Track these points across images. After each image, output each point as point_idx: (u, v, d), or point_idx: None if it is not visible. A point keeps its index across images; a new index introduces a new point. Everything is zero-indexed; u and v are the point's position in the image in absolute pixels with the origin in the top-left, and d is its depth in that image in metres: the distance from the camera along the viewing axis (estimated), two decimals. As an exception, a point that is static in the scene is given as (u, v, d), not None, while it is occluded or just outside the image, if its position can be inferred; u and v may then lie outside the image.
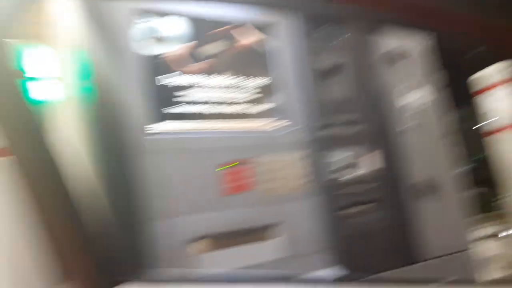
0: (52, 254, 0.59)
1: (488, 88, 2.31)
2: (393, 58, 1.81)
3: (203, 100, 1.44)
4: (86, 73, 1.22)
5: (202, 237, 1.32)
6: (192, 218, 1.31)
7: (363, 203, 1.61)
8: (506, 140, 2.20)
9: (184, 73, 1.42)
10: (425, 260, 1.65)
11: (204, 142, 1.40)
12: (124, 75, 1.29)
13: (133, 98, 1.29)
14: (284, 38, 1.61)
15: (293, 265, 1.43)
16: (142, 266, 1.15)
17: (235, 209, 1.40)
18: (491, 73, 2.25)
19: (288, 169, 1.52)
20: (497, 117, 2.28)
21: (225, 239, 1.38)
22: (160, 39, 1.40)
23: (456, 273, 1.70)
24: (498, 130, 2.32)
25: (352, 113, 1.66)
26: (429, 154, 1.79)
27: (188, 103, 1.41)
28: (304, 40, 1.62)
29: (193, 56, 1.45)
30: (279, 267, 1.41)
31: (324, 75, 1.66)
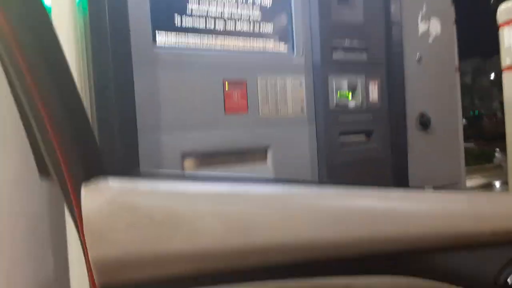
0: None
1: (510, 22, 2.18)
2: None
3: (209, 14, 1.38)
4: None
5: (190, 154, 1.32)
6: (184, 134, 1.30)
7: (359, 132, 1.60)
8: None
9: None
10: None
11: (206, 57, 1.36)
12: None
13: (138, 5, 1.24)
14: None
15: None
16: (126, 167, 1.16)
17: (230, 129, 1.38)
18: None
19: (288, 92, 1.50)
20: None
21: (215, 158, 1.39)
22: None
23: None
24: (510, 68, 2.25)
25: (361, 38, 1.60)
26: (430, 90, 1.76)
27: (194, 15, 1.35)
28: None
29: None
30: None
31: None
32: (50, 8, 1.71)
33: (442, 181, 1.76)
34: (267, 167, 1.47)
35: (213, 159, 1.39)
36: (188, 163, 1.33)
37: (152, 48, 1.26)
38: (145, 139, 1.23)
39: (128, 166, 1.17)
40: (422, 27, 1.74)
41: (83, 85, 1.23)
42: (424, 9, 1.75)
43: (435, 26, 1.77)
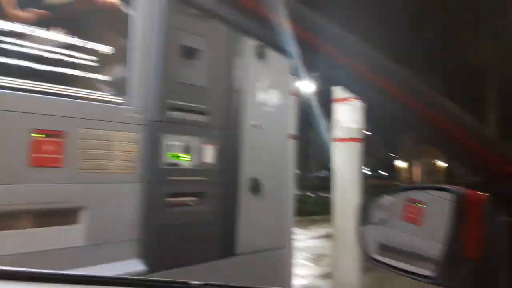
0: None
1: (342, 100, 2.46)
2: (258, 53, 1.82)
3: (29, 53, 1.23)
4: None
5: None
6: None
7: (188, 194, 1.58)
8: (338, 149, 2.42)
9: (13, 18, 1.19)
10: (241, 254, 1.71)
11: (18, 101, 1.20)
12: None
13: None
14: (142, 3, 1.48)
15: (93, 254, 1.33)
16: None
17: (39, 184, 1.23)
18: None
19: (114, 148, 1.41)
20: (341, 128, 2.48)
21: (17, 217, 1.21)
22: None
23: (269, 268, 1.81)
24: (338, 139, 2.54)
25: (201, 101, 1.61)
26: (263, 155, 1.84)
27: (9, 53, 1.19)
28: (165, 12, 1.50)
29: (29, 1, 1.23)
30: (76, 255, 1.29)
31: (182, 55, 1.57)
32: None
33: (269, 245, 1.83)
34: (80, 229, 1.32)
35: (13, 220, 1.19)
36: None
37: None
38: None
39: None
40: (260, 96, 1.85)
41: None
42: (264, 79, 1.87)
43: (273, 96, 1.90)
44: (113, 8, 1.44)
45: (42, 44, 1.26)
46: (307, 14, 0.70)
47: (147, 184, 1.46)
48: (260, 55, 1.84)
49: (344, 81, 0.77)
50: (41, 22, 1.26)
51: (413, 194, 0.92)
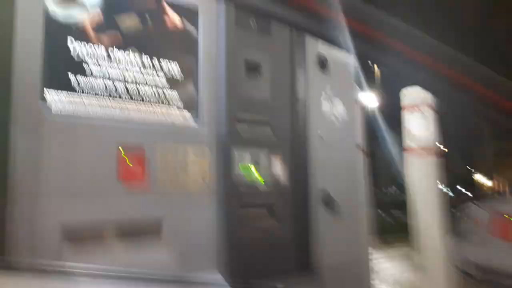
0: None
1: (411, 107, 2.34)
2: (319, 63, 1.83)
3: (110, 74, 1.35)
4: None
5: (73, 227, 1.22)
6: (66, 203, 1.21)
7: (261, 206, 1.59)
8: (414, 163, 2.28)
9: (93, 41, 1.33)
10: (318, 269, 1.67)
11: (100, 120, 1.30)
12: (24, 32, 1.18)
13: (31, 58, 1.19)
14: (207, 24, 1.56)
15: (174, 263, 1.38)
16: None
17: (122, 199, 1.31)
18: (417, 92, 2.28)
19: (189, 164, 1.47)
20: (413, 138, 2.35)
21: (102, 231, 1.30)
22: (72, 2, 1.30)
23: (347, 285, 1.75)
24: (410, 150, 2.40)
25: (266, 113, 1.65)
26: (332, 167, 1.81)
27: (92, 74, 1.32)
28: (230, 31, 1.58)
29: (107, 26, 1.36)
30: (158, 266, 1.35)
31: (246, 70, 1.62)
32: None
33: (346, 260, 1.77)
34: (161, 242, 1.38)
35: (99, 232, 1.29)
36: (70, 237, 1.22)
37: (39, 106, 1.19)
38: (19, 209, 1.12)
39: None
40: (325, 106, 1.84)
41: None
42: (328, 89, 1.86)
43: (338, 107, 1.88)
44: (181, 28, 1.53)
45: (120, 63, 1.38)
46: (373, 12, 0.70)
47: (221, 196, 1.50)
48: (323, 66, 1.84)
49: (416, 77, 0.75)
50: (116, 44, 1.37)
51: (501, 206, 0.85)
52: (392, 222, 10.71)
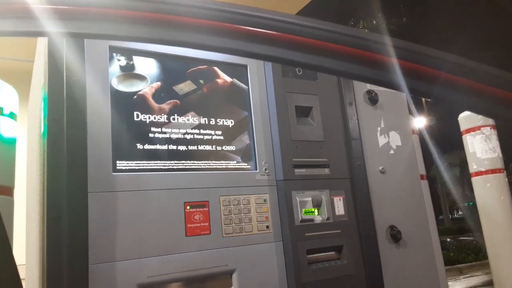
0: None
1: (473, 129, 2.26)
2: (370, 99, 1.84)
3: (172, 138, 1.44)
4: (45, 110, 1.22)
5: (148, 285, 1.27)
6: (141, 262, 1.27)
7: (328, 249, 1.56)
8: (480, 184, 2.16)
9: (155, 111, 1.43)
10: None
11: (166, 180, 1.38)
12: (94, 110, 1.30)
13: (102, 134, 1.30)
14: (255, 78, 1.65)
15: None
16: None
17: (191, 253, 1.35)
18: (476, 114, 2.21)
19: (252, 210, 1.50)
20: (478, 161, 2.24)
21: (178, 285, 1.33)
22: (133, 77, 1.42)
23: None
24: (477, 173, 2.29)
25: (322, 155, 1.66)
26: (396, 201, 1.76)
27: (157, 141, 1.41)
28: (275, 81, 1.65)
29: (165, 95, 1.46)
30: None
31: (297, 115, 1.66)
32: (15, 139, 1.78)
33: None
34: (233, 292, 1.40)
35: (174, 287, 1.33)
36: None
37: (111, 175, 1.28)
38: (98, 272, 1.18)
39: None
40: (382, 140, 1.82)
41: (41, 217, 1.23)
42: (382, 124, 1.84)
43: (394, 139, 1.85)
44: (232, 86, 1.61)
45: (181, 128, 1.46)
46: (415, 48, 0.71)
47: (287, 242, 1.50)
48: (374, 101, 1.84)
49: (469, 103, 0.73)
50: (176, 110, 1.46)
51: None
52: (461, 248, 9.98)
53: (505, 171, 2.18)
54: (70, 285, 1.11)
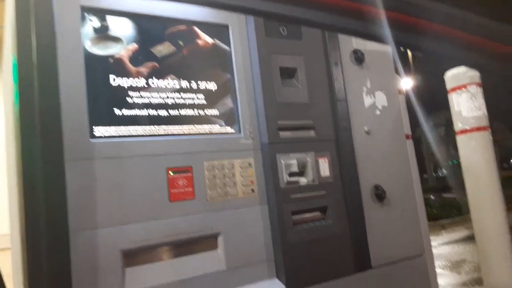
0: None
1: (459, 88, 2.24)
2: (356, 59, 1.79)
3: (152, 103, 1.39)
4: (16, 76, 1.16)
5: (133, 251, 1.26)
6: (124, 229, 1.25)
7: (313, 210, 1.57)
8: (465, 142, 2.18)
9: (133, 74, 1.37)
10: (377, 266, 1.63)
11: (147, 146, 1.34)
12: (67, 75, 1.24)
13: (76, 100, 1.24)
14: (238, 39, 1.59)
15: (234, 277, 1.40)
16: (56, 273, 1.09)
17: (176, 218, 1.35)
18: (463, 73, 2.19)
19: (236, 174, 1.49)
20: (463, 119, 2.24)
21: (161, 251, 1.33)
22: (108, 39, 1.35)
23: (409, 279, 1.70)
24: (462, 132, 2.29)
25: (307, 117, 1.63)
26: (381, 161, 1.77)
27: (136, 106, 1.36)
28: (259, 41, 1.58)
29: (142, 57, 1.40)
30: (218, 280, 1.37)
31: (282, 77, 1.61)
32: None
33: (404, 253, 1.72)
34: (219, 254, 1.41)
35: (159, 252, 1.33)
36: (130, 262, 1.26)
37: (88, 142, 1.24)
38: (80, 238, 1.17)
39: (58, 273, 1.10)
40: (367, 101, 1.79)
41: (19, 186, 1.20)
42: (368, 84, 1.81)
43: (380, 99, 1.83)
44: (213, 48, 1.55)
45: (161, 92, 1.40)
46: None
47: (272, 204, 1.50)
48: (360, 60, 1.80)
49: (460, 56, 0.71)
50: (155, 73, 1.40)
51: None
52: (444, 205, 10.32)
53: (489, 129, 2.19)
54: (51, 253, 1.09)
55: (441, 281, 4.51)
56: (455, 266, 5.30)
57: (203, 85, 1.50)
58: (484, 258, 1.93)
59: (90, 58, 1.30)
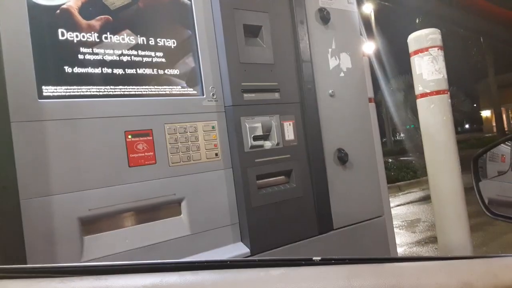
0: None
1: (421, 50, 2.24)
2: (322, 18, 1.74)
3: (106, 60, 1.29)
4: None
5: (91, 218, 1.21)
6: (81, 196, 1.19)
7: (277, 174, 1.56)
8: (424, 106, 2.21)
9: (84, 29, 1.25)
10: (338, 228, 1.66)
11: (102, 107, 1.25)
12: (9, 28, 1.11)
13: (21, 56, 1.12)
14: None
15: (198, 242, 1.38)
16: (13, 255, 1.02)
17: (136, 184, 1.29)
18: (425, 35, 2.18)
19: (200, 138, 1.44)
20: (424, 82, 2.26)
21: (122, 218, 1.29)
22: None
23: (370, 240, 1.75)
24: (422, 95, 2.32)
25: (272, 79, 1.58)
26: (344, 124, 1.76)
27: (88, 63, 1.25)
28: None
29: (94, 9, 1.28)
30: (182, 245, 1.35)
31: (246, 35, 1.54)
32: None
33: (365, 215, 1.76)
34: (182, 220, 1.38)
35: (119, 220, 1.27)
36: (89, 229, 1.21)
37: (37, 104, 1.14)
38: (32, 207, 1.10)
39: (10, 243, 1.03)
40: (332, 62, 1.76)
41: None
42: (333, 45, 1.77)
43: (345, 61, 1.80)
44: (173, 1, 1.44)
45: (115, 48, 1.30)
46: None
47: (236, 168, 1.47)
48: (325, 20, 1.75)
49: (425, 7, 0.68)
50: (108, 28, 1.29)
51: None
52: (401, 168, 10.80)
53: (448, 92, 2.23)
54: (1, 223, 1.02)
55: (397, 240, 4.76)
56: (410, 225, 5.59)
57: (162, 42, 1.40)
58: (439, 217, 2.02)
59: (34, 9, 1.17)
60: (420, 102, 2.24)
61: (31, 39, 1.15)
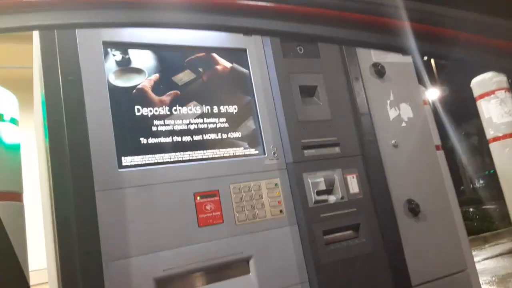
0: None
1: (487, 94, 2.17)
2: (377, 72, 1.77)
3: (176, 130, 1.41)
4: (45, 112, 1.21)
5: (165, 279, 1.26)
6: (156, 257, 1.25)
7: (344, 228, 1.53)
8: (498, 150, 2.09)
9: (156, 104, 1.40)
10: (417, 285, 1.55)
11: (174, 173, 1.35)
12: (94, 108, 1.28)
13: (103, 132, 1.28)
14: (256, 61, 1.60)
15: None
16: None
17: (206, 243, 1.34)
18: (489, 78, 2.13)
19: (264, 195, 1.47)
20: (494, 126, 2.16)
21: (194, 278, 1.32)
22: (131, 71, 1.39)
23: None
24: (495, 139, 2.20)
25: (331, 134, 1.61)
26: (412, 174, 1.71)
27: (161, 134, 1.38)
28: (277, 62, 1.60)
29: (164, 86, 1.43)
30: None
31: (302, 95, 1.61)
32: (18, 145, 1.78)
33: (446, 270, 1.63)
34: (251, 279, 1.38)
35: (191, 279, 1.31)
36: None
37: (117, 173, 1.27)
38: (113, 269, 1.18)
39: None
40: (392, 113, 1.76)
41: (52, 219, 1.23)
42: (391, 96, 1.78)
43: (405, 111, 1.79)
44: (232, 72, 1.57)
45: (184, 119, 1.43)
46: (431, 8, 0.65)
47: (302, 224, 1.47)
48: (380, 74, 1.78)
49: (487, 61, 0.69)
50: (177, 101, 1.43)
51: None
52: (484, 217, 9.84)
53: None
54: (86, 285, 1.10)
55: (489, 298, 4.25)
56: (501, 281, 4.99)
57: (224, 109, 1.51)
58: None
59: (114, 91, 1.34)
60: (493, 147, 2.12)
61: (112, 116, 1.30)
